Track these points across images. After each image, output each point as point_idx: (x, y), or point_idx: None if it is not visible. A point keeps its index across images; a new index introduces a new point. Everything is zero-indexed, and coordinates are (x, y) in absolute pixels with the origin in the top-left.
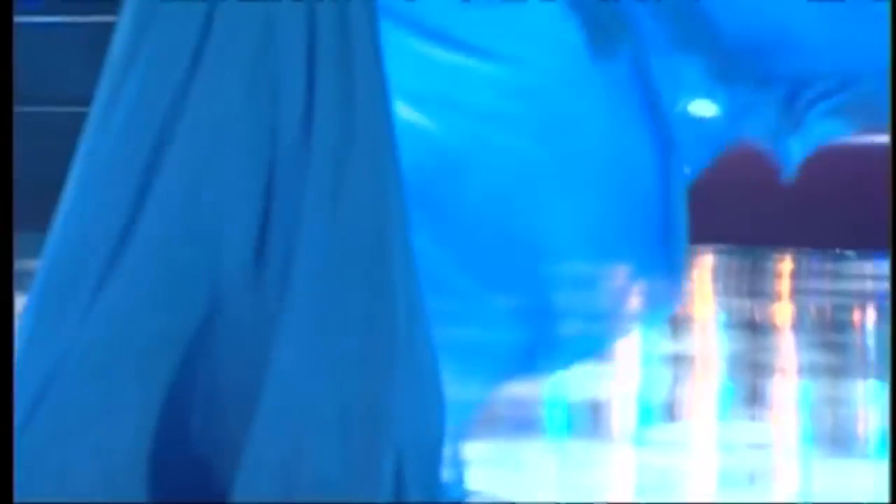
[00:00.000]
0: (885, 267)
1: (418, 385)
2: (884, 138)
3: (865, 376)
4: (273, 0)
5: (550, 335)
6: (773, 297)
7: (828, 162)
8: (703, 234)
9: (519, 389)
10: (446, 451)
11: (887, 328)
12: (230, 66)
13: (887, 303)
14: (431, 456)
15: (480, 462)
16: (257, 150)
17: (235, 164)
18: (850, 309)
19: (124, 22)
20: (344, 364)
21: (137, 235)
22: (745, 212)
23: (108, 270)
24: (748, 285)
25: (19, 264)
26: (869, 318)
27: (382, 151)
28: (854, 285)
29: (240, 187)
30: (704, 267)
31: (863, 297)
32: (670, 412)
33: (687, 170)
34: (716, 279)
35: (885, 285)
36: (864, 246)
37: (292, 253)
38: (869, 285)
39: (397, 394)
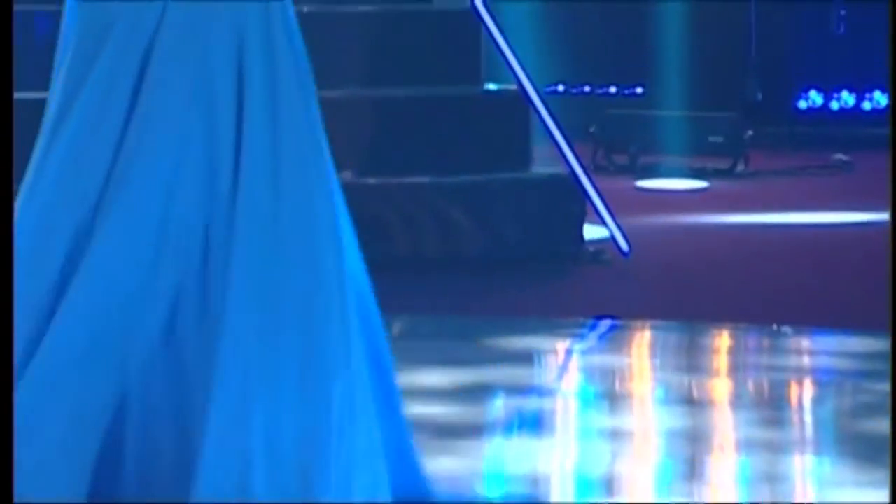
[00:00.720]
0: (821, 342)
1: (360, 427)
2: (819, 218)
3: (803, 452)
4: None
5: None
6: (711, 372)
7: (762, 239)
8: (640, 310)
9: (457, 463)
10: None
11: (825, 403)
12: (174, 78)
13: (825, 377)
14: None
15: None
16: (197, 161)
17: (184, 174)
18: (787, 384)
19: (77, 31)
20: (278, 400)
21: (87, 256)
22: (682, 287)
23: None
24: (686, 361)
25: None
26: (806, 394)
27: (308, 159)
28: (791, 361)
29: (188, 201)
30: (642, 343)
31: (800, 373)
32: (609, 488)
33: None
34: (653, 355)
35: (823, 360)
36: (801, 321)
37: (229, 271)
38: (806, 361)
39: (333, 435)
